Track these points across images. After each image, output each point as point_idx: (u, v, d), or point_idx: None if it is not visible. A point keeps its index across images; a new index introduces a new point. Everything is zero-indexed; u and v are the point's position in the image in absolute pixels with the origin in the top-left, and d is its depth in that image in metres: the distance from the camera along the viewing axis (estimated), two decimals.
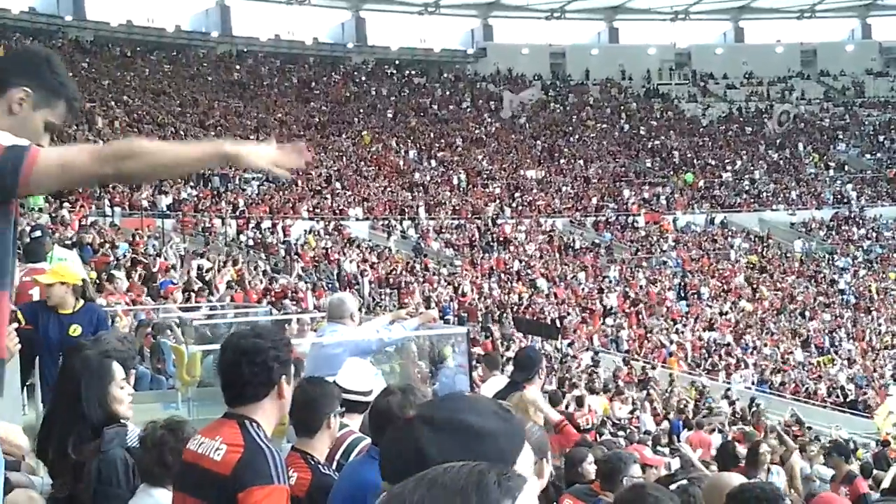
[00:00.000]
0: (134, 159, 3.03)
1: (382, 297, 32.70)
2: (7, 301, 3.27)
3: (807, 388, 33.50)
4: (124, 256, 23.38)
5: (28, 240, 10.19)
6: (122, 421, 4.48)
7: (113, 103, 45.12)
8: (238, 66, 56.10)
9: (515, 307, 35.61)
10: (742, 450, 12.67)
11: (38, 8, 52.95)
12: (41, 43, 49.11)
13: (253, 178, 41.97)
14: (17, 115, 3.27)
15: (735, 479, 7.00)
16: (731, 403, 25.84)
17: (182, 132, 44.36)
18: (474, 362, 12.01)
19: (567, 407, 15.77)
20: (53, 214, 26.99)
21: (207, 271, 24.22)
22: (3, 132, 3.15)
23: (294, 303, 24.85)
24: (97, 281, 17.47)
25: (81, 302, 7.53)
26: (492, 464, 1.70)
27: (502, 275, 39.78)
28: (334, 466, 4.91)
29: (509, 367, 9.92)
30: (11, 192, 3.11)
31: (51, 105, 3.32)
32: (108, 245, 24.08)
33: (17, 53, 3.33)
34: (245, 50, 58.12)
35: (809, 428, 22.86)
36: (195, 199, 37.92)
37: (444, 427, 1.88)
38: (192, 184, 39.06)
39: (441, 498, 1.59)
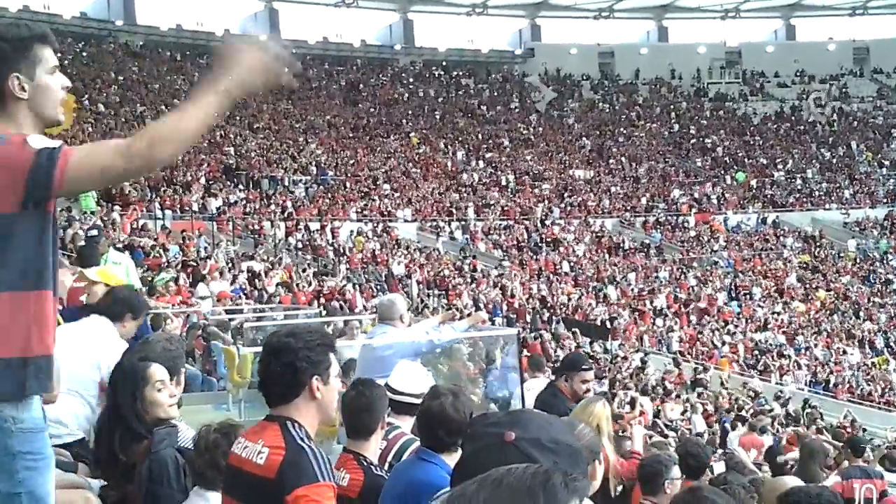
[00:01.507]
0: (163, 144, 3.12)
1: (430, 298, 32.69)
2: (51, 300, 3.31)
3: (861, 389, 33.06)
4: (175, 259, 23.58)
5: (83, 243, 10.26)
6: (171, 422, 4.49)
7: (163, 107, 45.45)
8: (287, 69, 56.28)
9: (564, 308, 35.48)
10: (789, 456, 12.54)
11: (89, 13, 53.56)
12: (92, 48, 49.77)
13: (301, 181, 42.17)
14: (32, 97, 3.33)
15: (789, 482, 6.91)
16: (784, 405, 25.54)
17: (231, 135, 44.69)
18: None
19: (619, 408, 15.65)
20: (105, 218, 27.28)
21: (256, 275, 24.36)
22: (34, 135, 3.21)
23: (343, 304, 24.92)
24: (149, 281, 17.63)
25: None
26: (555, 466, 1.76)
27: (551, 275, 39.64)
28: (386, 467, 4.90)
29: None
30: (47, 194, 3.17)
31: (36, 61, 3.36)
32: (159, 248, 24.31)
33: None
34: (294, 52, 58.23)
35: (864, 430, 22.54)
36: (244, 201, 38.16)
37: (553, 449, 1.99)
38: (241, 187, 39.32)
39: (508, 498, 1.61)
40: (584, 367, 7.81)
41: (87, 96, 42.36)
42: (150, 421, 4.42)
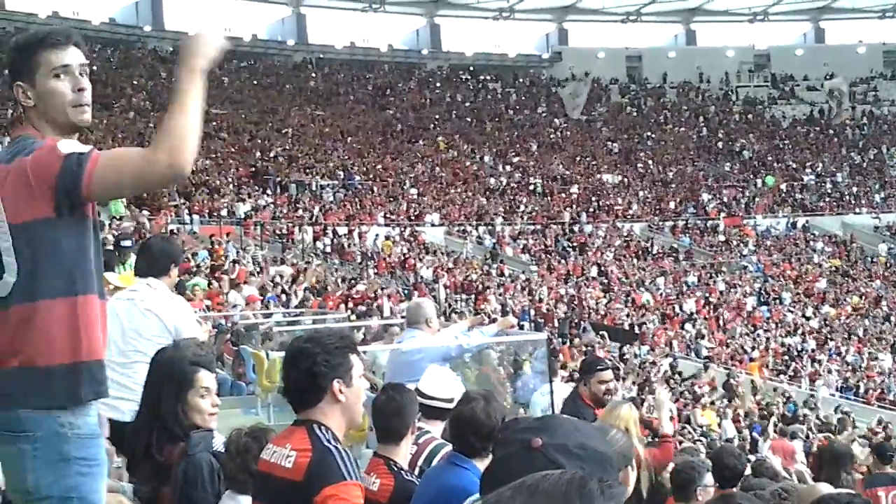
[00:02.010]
0: (182, 143, 3.12)
1: (458, 303, 32.66)
2: (97, 304, 3.33)
3: (893, 395, 32.76)
4: (203, 263, 23.66)
5: (110, 247, 10.33)
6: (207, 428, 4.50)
7: None
8: (314, 74, 56.57)
9: (592, 313, 35.38)
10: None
11: (118, 19, 53.97)
12: (121, 53, 50.12)
13: (329, 186, 42.29)
14: (36, 104, 3.36)
15: (823, 488, 6.82)
16: (814, 410, 25.35)
17: (260, 139, 44.86)
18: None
19: (649, 413, 15.58)
20: (136, 221, 27.43)
21: (283, 279, 24.39)
22: (65, 140, 3.24)
23: (371, 308, 24.91)
24: (175, 287, 17.64)
25: None
26: (590, 472, 1.75)
27: (579, 280, 39.55)
28: (416, 472, 4.88)
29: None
30: (77, 199, 3.19)
31: (35, 67, 3.38)
32: (187, 252, 24.39)
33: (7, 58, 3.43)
34: (321, 57, 58.60)
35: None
36: (272, 206, 38.30)
37: (580, 455, 1.98)
38: (269, 192, 39.46)
39: None
40: (599, 367, 7.75)
41: (116, 102, 42.65)
42: (189, 425, 4.43)
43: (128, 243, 10.66)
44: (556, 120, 58.33)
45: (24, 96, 3.36)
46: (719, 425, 20.66)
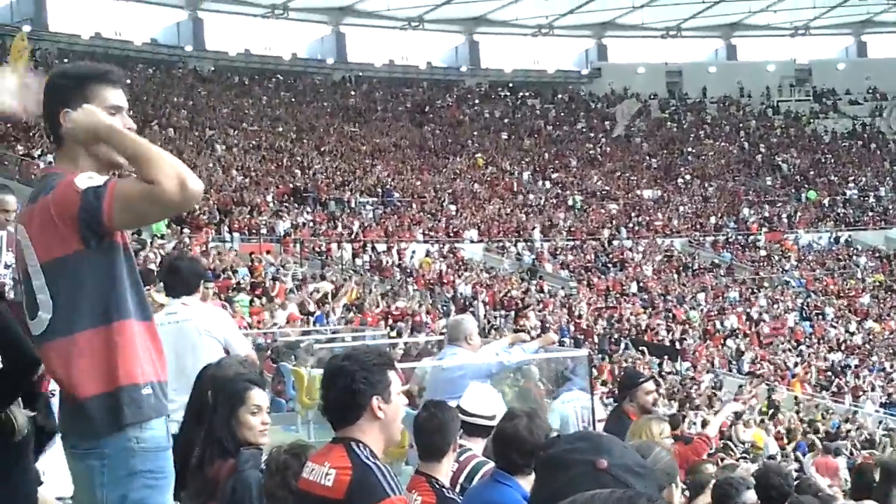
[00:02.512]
0: (178, 163, 3.17)
1: (497, 319, 32.61)
2: (134, 328, 3.35)
3: None
4: (244, 280, 23.78)
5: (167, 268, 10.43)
6: (258, 446, 4.53)
7: (232, 130, 46.11)
8: (353, 92, 56.84)
9: (633, 329, 35.20)
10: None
11: (159, 39, 54.50)
12: (162, 74, 50.65)
13: (368, 203, 42.43)
14: (79, 132, 3.37)
15: None
16: (857, 426, 25.05)
17: (299, 157, 45.10)
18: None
19: (689, 429, 15.45)
20: (177, 240, 27.61)
21: (324, 295, 24.43)
22: (81, 175, 3.27)
23: (411, 325, 24.92)
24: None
25: None
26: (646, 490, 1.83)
27: (619, 296, 39.37)
28: (458, 490, 4.85)
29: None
30: (101, 231, 3.24)
31: (90, 97, 3.40)
32: (228, 270, 24.54)
33: (50, 88, 3.50)
34: (360, 75, 58.87)
35: None
36: (311, 223, 38.46)
37: (643, 474, 2.04)
38: (308, 209, 39.63)
39: None
40: (641, 380, 7.72)
41: (156, 121, 43.06)
42: (241, 442, 4.46)
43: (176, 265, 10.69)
44: (595, 135, 58.22)
45: (66, 122, 3.38)
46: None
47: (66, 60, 42.80)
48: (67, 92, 3.40)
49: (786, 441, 21.19)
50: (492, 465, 4.81)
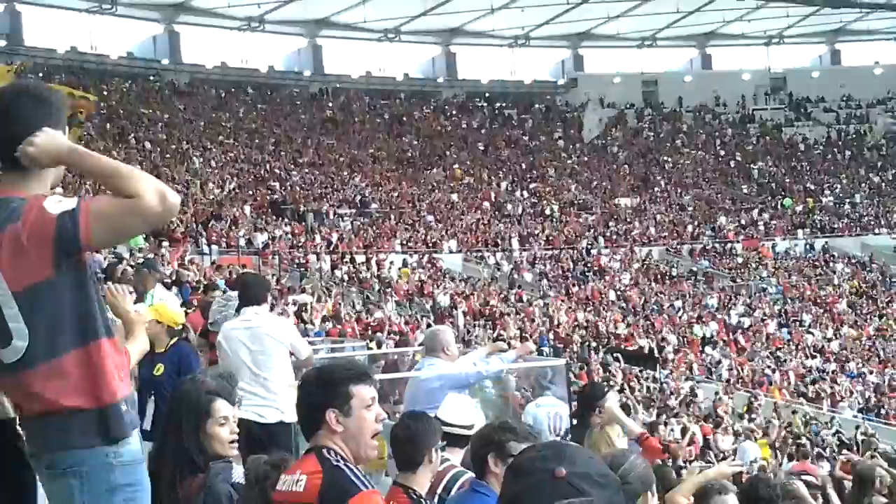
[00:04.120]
0: (152, 179, 3.20)
1: (476, 329, 32.64)
2: (104, 346, 3.34)
3: None
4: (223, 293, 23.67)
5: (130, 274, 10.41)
6: (228, 458, 4.51)
7: (209, 143, 46.03)
8: (330, 104, 56.84)
9: (611, 337, 35.27)
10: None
11: (135, 53, 54.34)
12: (138, 87, 50.52)
13: (346, 214, 42.42)
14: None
15: None
16: (836, 433, 25.17)
17: (276, 169, 45.06)
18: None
19: (668, 436, 15.50)
20: (154, 253, 27.50)
21: (303, 307, 24.42)
22: (49, 199, 3.25)
23: (389, 336, 24.92)
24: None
25: (173, 342, 7.67)
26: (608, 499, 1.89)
27: (597, 305, 39.47)
28: (436, 500, 4.87)
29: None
30: (76, 255, 3.25)
31: (64, 123, 3.45)
32: (206, 283, 24.43)
33: (34, 104, 3.39)
34: (337, 87, 58.88)
35: None
36: (289, 235, 38.42)
37: (603, 483, 2.03)
38: (286, 221, 39.58)
39: None
40: (606, 391, 7.78)
41: (133, 135, 42.94)
42: (211, 455, 4.45)
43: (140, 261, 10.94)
44: (572, 146, 58.39)
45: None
46: (774, 456, 20.27)
47: (41, 75, 42.77)
48: (53, 112, 3.39)
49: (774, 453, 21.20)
50: (470, 475, 4.82)
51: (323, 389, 3.61)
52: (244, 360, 7.45)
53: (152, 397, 7.44)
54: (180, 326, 8.05)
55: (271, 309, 9.34)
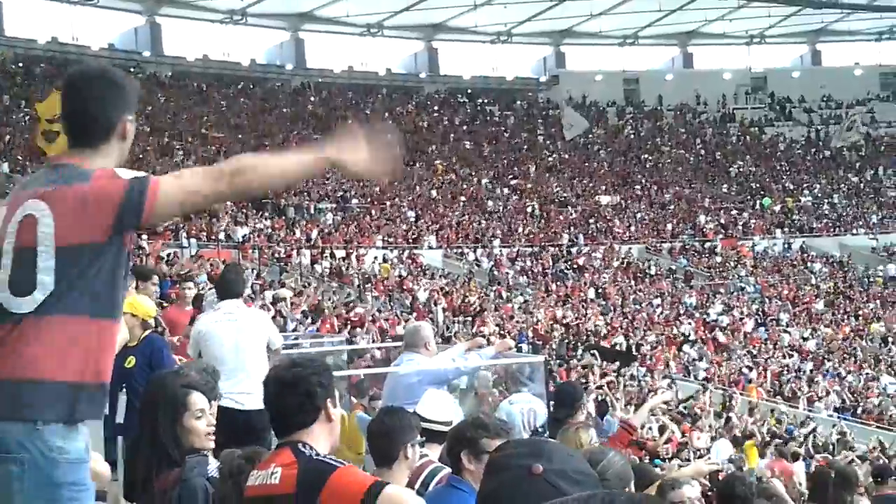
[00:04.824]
0: (245, 174, 3.28)
1: (456, 325, 32.64)
2: (114, 329, 3.36)
3: (891, 416, 32.69)
4: (204, 287, 23.62)
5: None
6: (203, 451, 4.50)
7: (191, 137, 45.87)
8: (312, 98, 56.70)
9: (591, 335, 35.34)
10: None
11: (117, 44, 54.07)
12: None
13: (327, 209, 42.33)
14: (128, 139, 3.50)
15: None
16: (812, 431, 25.29)
17: None
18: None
19: (646, 434, 15.56)
20: (134, 246, 27.40)
21: (280, 300, 24.35)
22: (121, 169, 3.35)
23: (369, 332, 24.92)
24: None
25: (145, 335, 7.66)
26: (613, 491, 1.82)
27: (577, 302, 39.52)
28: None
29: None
30: (135, 224, 3.29)
31: (134, 107, 3.55)
32: (181, 275, 24.35)
33: (110, 87, 3.49)
34: (319, 81, 58.73)
35: (895, 456, 22.26)
36: (270, 229, 38.32)
37: (580, 480, 2.01)
38: (267, 215, 39.48)
39: None
40: (581, 393, 7.80)
41: None
42: (188, 448, 4.44)
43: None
44: (553, 143, 58.42)
45: (129, 132, 3.49)
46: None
47: (21, 66, 42.57)
48: (132, 100, 3.51)
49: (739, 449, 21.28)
50: (448, 470, 4.83)
51: (324, 381, 3.69)
52: (227, 351, 7.75)
53: (123, 390, 7.43)
54: (153, 320, 8.06)
55: (252, 303, 9.56)
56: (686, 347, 36.45)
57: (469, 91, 62.90)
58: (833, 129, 60.85)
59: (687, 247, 49.06)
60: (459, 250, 43.34)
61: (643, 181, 55.69)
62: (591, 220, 49.49)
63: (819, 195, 57.06)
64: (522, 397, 9.55)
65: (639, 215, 51.55)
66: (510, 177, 52.80)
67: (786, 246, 51.05)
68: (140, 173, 3.29)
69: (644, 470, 6.75)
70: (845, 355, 38.46)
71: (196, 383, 4.62)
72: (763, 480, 15.46)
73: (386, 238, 41.58)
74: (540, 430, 6.82)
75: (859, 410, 32.71)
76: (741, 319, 40.86)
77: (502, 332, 30.68)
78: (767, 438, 21.58)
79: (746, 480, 6.70)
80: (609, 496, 1.64)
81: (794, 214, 54.40)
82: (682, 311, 40.49)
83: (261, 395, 7.27)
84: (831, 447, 23.07)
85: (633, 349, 34.00)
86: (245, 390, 7.36)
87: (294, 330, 20.42)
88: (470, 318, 33.46)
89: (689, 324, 38.84)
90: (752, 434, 21.81)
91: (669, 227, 50.77)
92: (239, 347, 7.79)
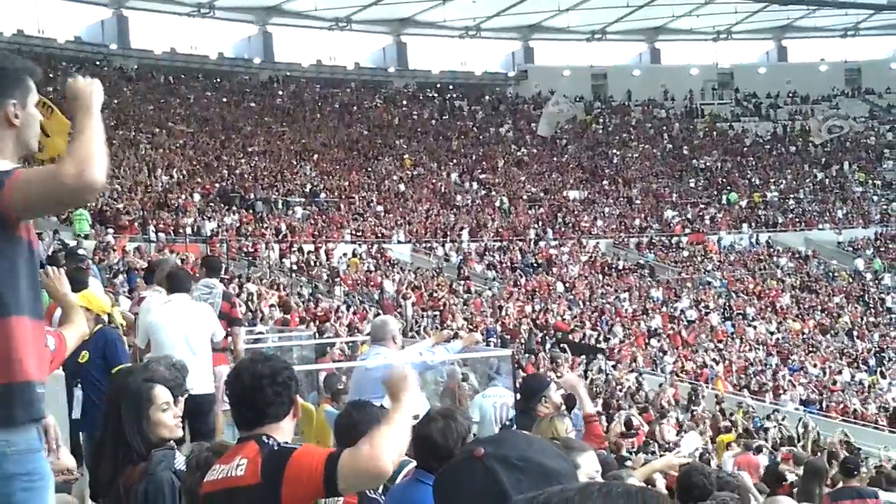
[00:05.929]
0: (92, 155, 3.05)
1: (424, 319, 32.69)
2: (29, 325, 3.25)
3: (854, 409, 33.02)
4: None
5: (72, 267, 10.38)
6: (171, 444, 4.50)
7: (157, 130, 45.61)
8: (281, 92, 56.50)
9: (558, 331, 35.46)
10: (789, 472, 12.49)
11: (83, 37, 53.70)
12: (87, 72, 49.84)
13: (295, 203, 42.22)
14: (20, 125, 3.33)
15: (784, 502, 6.89)
16: (777, 424, 25.51)
17: (226, 157, 44.76)
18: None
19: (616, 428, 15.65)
20: (100, 240, 27.27)
21: (248, 295, 24.34)
22: None
23: (337, 326, 24.91)
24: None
25: (97, 328, 7.59)
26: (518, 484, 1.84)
27: (545, 296, 39.65)
28: (380, 490, 4.89)
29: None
30: (2, 218, 3.14)
31: (27, 91, 3.38)
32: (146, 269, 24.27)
33: None
34: (288, 75, 58.54)
35: (859, 449, 22.49)
36: (238, 224, 38.17)
37: (520, 466, 1.96)
38: (235, 209, 39.33)
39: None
40: (548, 381, 7.73)
41: None
42: (155, 442, 4.42)
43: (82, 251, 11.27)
44: (522, 137, 58.51)
45: (13, 116, 3.30)
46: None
47: None
48: (11, 82, 3.33)
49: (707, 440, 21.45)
50: (414, 464, 4.84)
51: (292, 374, 3.74)
52: (182, 340, 8.37)
53: (79, 385, 7.40)
54: (107, 315, 8.03)
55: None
56: (653, 341, 36.66)
57: (437, 86, 62.91)
58: (812, 122, 61.21)
59: (654, 241, 49.29)
60: (428, 245, 43.35)
61: (611, 176, 55.88)
62: (559, 215, 49.63)
63: (785, 190, 57.45)
64: (495, 391, 9.62)
65: (606, 210, 51.75)
66: (479, 171, 52.85)
67: (752, 241, 51.39)
68: (7, 164, 3.17)
69: (609, 465, 6.79)
70: (810, 349, 38.80)
71: (161, 378, 4.60)
72: (730, 473, 15.60)
73: (354, 232, 41.53)
74: (508, 423, 6.87)
75: (824, 404, 33.02)
76: (707, 313, 41.11)
77: (470, 326, 30.78)
78: (741, 431, 21.75)
79: (705, 470, 6.69)
80: (606, 486, 1.61)
81: (760, 209, 54.77)
82: (649, 306, 40.67)
83: (207, 381, 8.09)
84: (797, 440, 23.25)
85: (601, 343, 34.17)
86: (195, 376, 7.39)
87: (262, 321, 20.39)
88: (438, 313, 33.51)
89: (656, 318, 39.03)
90: (729, 428, 21.93)
91: (637, 221, 50.99)
92: (188, 338, 8.39)
